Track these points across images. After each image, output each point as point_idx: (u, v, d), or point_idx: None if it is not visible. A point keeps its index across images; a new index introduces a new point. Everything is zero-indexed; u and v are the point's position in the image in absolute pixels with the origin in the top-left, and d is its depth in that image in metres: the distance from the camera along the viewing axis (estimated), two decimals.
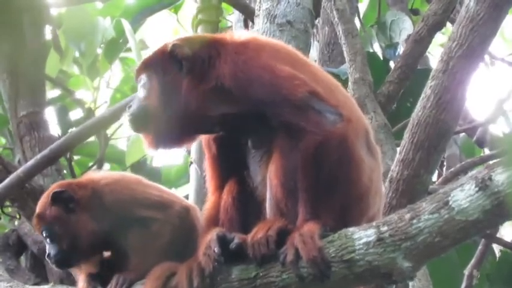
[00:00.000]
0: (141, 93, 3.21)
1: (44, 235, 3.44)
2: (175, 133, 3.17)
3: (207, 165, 3.29)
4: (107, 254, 3.57)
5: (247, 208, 3.13)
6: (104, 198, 3.42)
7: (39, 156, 4.91)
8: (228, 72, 3.04)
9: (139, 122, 3.18)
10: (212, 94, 3.07)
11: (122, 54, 7.48)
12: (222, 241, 2.93)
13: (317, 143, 2.92)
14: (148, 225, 3.37)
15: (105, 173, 3.64)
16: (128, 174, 3.68)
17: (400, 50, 5.27)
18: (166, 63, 3.17)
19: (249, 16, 5.51)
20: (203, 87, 3.08)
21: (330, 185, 2.92)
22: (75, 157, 6.80)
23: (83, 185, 3.48)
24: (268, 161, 3.04)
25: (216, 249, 2.91)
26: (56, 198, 3.43)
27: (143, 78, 3.22)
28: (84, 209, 3.42)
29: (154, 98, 3.15)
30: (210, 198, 3.26)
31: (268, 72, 3.01)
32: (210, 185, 3.28)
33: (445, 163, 6.22)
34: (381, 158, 3.22)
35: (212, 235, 2.96)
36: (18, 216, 5.77)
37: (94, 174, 3.61)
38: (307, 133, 2.93)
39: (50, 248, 3.42)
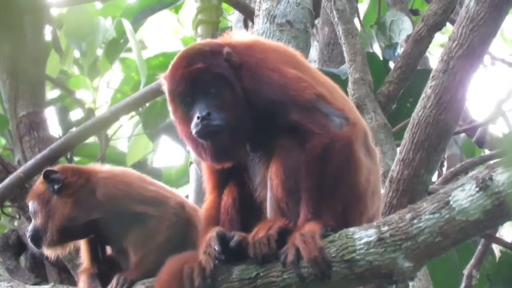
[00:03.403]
0: (213, 101, 3.06)
1: (29, 210, 3.52)
2: (239, 142, 3.11)
3: (204, 165, 3.29)
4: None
5: (247, 209, 3.13)
6: (97, 190, 3.45)
7: (38, 156, 4.91)
8: (247, 75, 3.08)
9: (219, 136, 3.07)
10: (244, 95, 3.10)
11: (123, 55, 7.48)
12: (222, 239, 2.94)
13: (323, 145, 2.95)
14: (144, 222, 3.38)
15: (108, 167, 3.66)
16: (131, 171, 3.70)
17: (400, 50, 5.26)
18: (228, 72, 3.08)
19: (249, 16, 5.50)
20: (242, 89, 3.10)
21: (333, 186, 2.94)
22: (76, 158, 6.80)
23: (80, 172, 3.52)
24: (267, 163, 3.06)
25: (217, 247, 2.91)
26: (46, 176, 3.49)
27: (216, 88, 3.07)
28: (71, 195, 3.45)
29: (229, 107, 3.06)
30: (208, 198, 3.26)
31: (276, 73, 3.05)
32: (207, 184, 3.28)
33: (445, 163, 6.22)
34: (379, 159, 3.23)
35: (212, 234, 2.97)
36: (18, 217, 5.77)
37: (98, 167, 3.64)
38: (314, 135, 2.97)
39: (31, 224, 3.50)
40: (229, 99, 3.06)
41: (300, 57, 3.25)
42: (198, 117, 3.02)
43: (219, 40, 3.27)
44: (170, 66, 3.17)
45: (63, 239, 3.48)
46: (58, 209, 3.44)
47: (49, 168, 3.55)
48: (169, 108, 3.18)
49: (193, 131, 3.04)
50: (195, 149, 3.16)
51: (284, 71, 3.06)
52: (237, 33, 3.33)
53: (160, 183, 3.62)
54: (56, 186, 3.47)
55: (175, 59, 3.17)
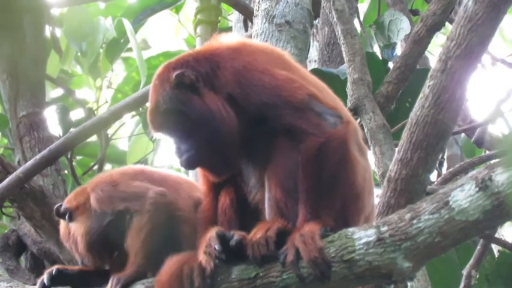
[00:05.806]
0: (177, 134, 3.10)
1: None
2: (228, 154, 3.11)
3: (199, 168, 3.29)
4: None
5: (245, 209, 3.14)
6: (90, 199, 3.48)
7: (38, 156, 4.91)
8: (232, 80, 3.07)
9: (197, 163, 3.15)
10: (227, 103, 3.08)
11: (123, 54, 7.49)
12: (222, 239, 2.94)
13: (318, 145, 2.95)
14: (130, 221, 3.40)
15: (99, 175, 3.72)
16: (118, 169, 3.75)
17: (398, 50, 5.26)
18: (179, 99, 3.09)
19: (248, 16, 5.51)
20: (220, 98, 3.08)
21: (330, 186, 2.95)
22: (77, 157, 6.81)
23: (83, 191, 3.58)
24: (262, 165, 3.05)
25: (217, 247, 2.91)
26: (59, 213, 3.58)
27: (171, 123, 3.10)
28: (81, 214, 3.51)
29: (193, 132, 3.07)
30: (204, 200, 3.27)
31: (267, 76, 3.05)
32: (203, 187, 3.30)
33: (445, 163, 6.22)
34: (369, 156, 3.25)
35: (212, 233, 2.96)
36: (18, 217, 5.77)
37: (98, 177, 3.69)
38: (308, 135, 2.97)
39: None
40: (190, 126, 3.07)
41: (288, 57, 3.25)
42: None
43: (206, 46, 3.29)
44: None
45: (98, 253, 3.53)
46: (77, 233, 3.50)
47: (57, 205, 3.61)
48: None
49: None
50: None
51: (274, 73, 3.06)
52: (225, 37, 3.32)
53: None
54: (66, 217, 3.54)
55: None
